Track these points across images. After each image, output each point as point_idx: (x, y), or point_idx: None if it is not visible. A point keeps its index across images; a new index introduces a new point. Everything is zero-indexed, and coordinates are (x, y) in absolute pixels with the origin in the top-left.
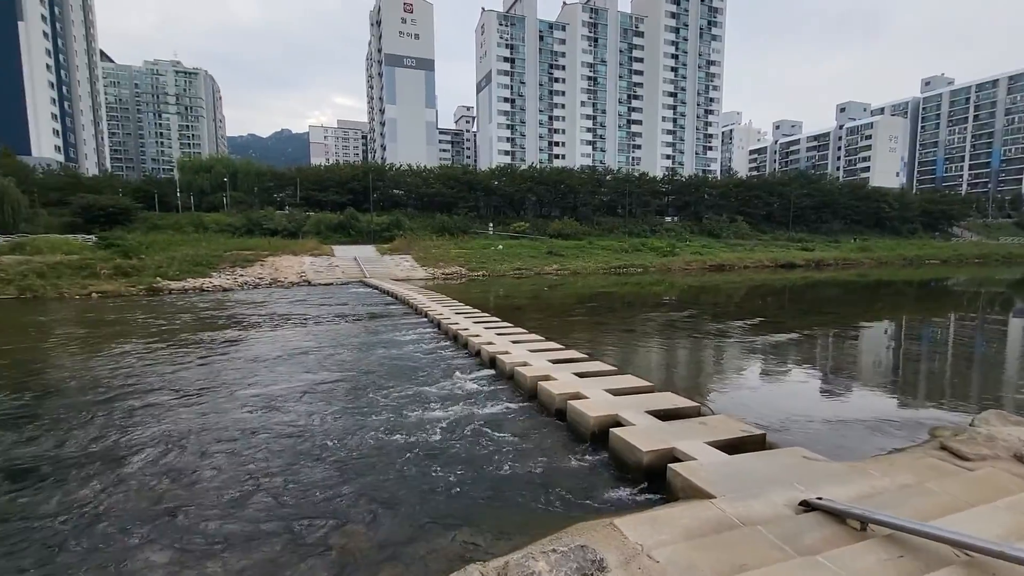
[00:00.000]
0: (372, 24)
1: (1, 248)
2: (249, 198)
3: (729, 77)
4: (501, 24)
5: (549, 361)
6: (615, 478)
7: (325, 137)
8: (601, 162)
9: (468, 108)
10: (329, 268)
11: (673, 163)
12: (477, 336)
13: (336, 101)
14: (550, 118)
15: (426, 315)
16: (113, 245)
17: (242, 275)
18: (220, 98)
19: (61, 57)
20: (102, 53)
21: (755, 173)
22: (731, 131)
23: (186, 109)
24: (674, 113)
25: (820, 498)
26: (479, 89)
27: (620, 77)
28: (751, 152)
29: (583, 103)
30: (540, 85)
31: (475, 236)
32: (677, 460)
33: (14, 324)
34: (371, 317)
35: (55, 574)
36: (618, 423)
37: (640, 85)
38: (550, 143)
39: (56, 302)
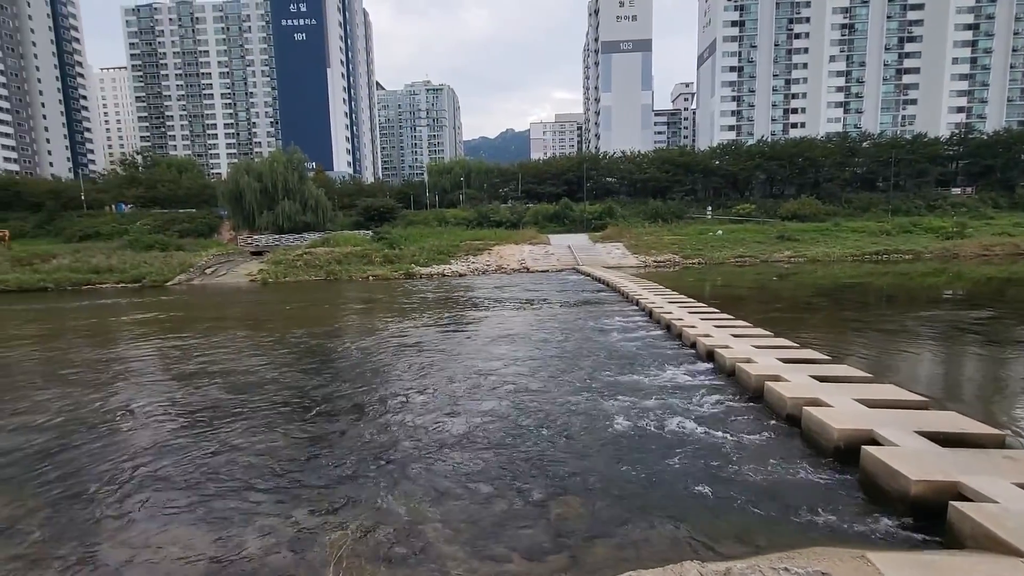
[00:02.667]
0: (590, 15)
1: (315, 242)
2: (480, 194)
3: None
4: None
5: (778, 360)
6: (865, 504)
7: (544, 132)
8: (856, 126)
9: (687, 85)
10: (545, 256)
11: (968, 117)
12: (692, 327)
13: (555, 96)
14: (787, 82)
15: (637, 303)
16: (383, 238)
17: (473, 262)
18: (458, 108)
19: (352, 92)
20: (377, 83)
21: None
22: None
23: (433, 121)
24: (973, 51)
25: None
26: (700, 63)
27: (888, 17)
28: None
29: (833, 58)
30: (776, 46)
31: (691, 221)
32: (964, 498)
33: (327, 297)
34: (584, 304)
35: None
36: (873, 440)
37: (919, 23)
38: (786, 111)
39: (347, 282)
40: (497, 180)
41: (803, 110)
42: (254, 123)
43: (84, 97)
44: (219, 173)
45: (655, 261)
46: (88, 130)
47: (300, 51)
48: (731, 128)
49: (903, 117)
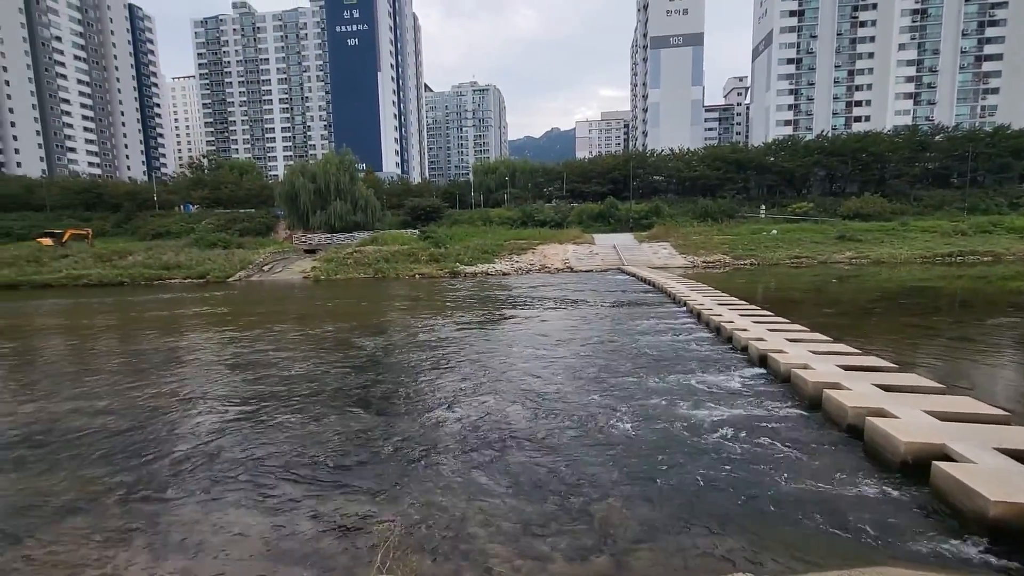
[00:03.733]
0: (638, 10)
1: (364, 241)
2: (524, 193)
3: None
4: None
5: (838, 366)
6: (937, 524)
7: (589, 131)
8: (927, 119)
9: (740, 79)
10: (589, 256)
11: None
12: (744, 330)
13: (602, 94)
14: (850, 73)
15: (685, 304)
16: (429, 237)
17: (517, 262)
18: (504, 107)
19: (401, 94)
20: (425, 85)
21: None
22: None
23: (479, 121)
24: None
25: None
26: (755, 55)
27: (966, 0)
28: None
29: (902, 46)
30: (838, 35)
31: (743, 220)
32: None
33: (374, 294)
34: (628, 304)
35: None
36: (945, 456)
37: (1002, 4)
38: (848, 104)
39: (394, 280)
40: (542, 179)
41: (868, 102)
42: (309, 126)
43: (158, 105)
44: (276, 175)
45: (704, 262)
46: (161, 135)
47: (353, 56)
48: (787, 123)
49: (982, 108)
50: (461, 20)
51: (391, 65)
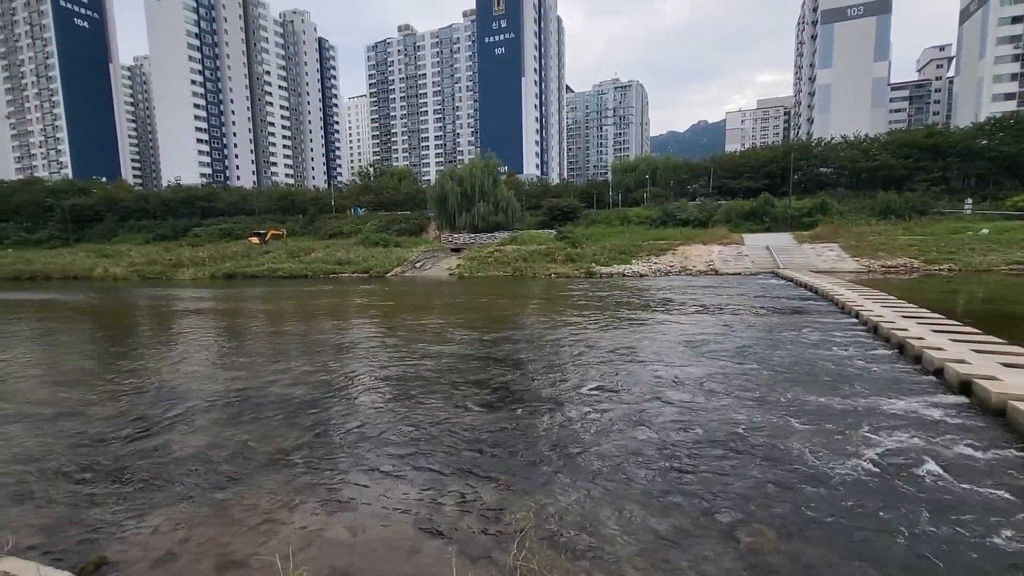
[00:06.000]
0: None
1: (505, 241)
2: (665, 191)
3: None
4: None
5: None
6: None
7: (742, 121)
8: None
9: (941, 48)
10: (738, 257)
11: None
12: (938, 349)
13: (758, 80)
14: None
15: (857, 315)
16: (565, 237)
17: (655, 263)
18: (646, 103)
19: (542, 97)
20: (567, 87)
21: None
22: None
23: (620, 119)
24: None
25: None
26: (963, 18)
27: None
28: None
29: None
30: None
31: (938, 218)
32: None
33: (513, 291)
34: (783, 312)
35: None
36: None
37: None
38: None
39: (531, 279)
40: (685, 176)
41: None
42: (458, 133)
43: (336, 123)
44: (429, 179)
45: (883, 266)
46: (338, 149)
47: (499, 64)
48: (1010, 96)
49: None
50: (605, 17)
51: (534, 70)
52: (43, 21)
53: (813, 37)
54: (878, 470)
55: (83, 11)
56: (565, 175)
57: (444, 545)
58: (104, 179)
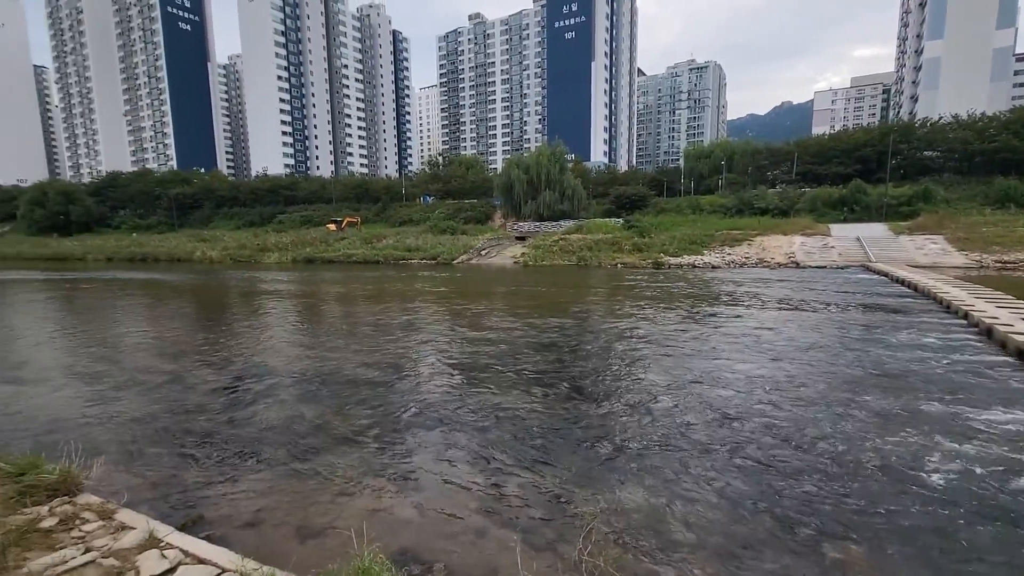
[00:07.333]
0: None
1: (570, 229)
2: (742, 178)
3: None
4: None
5: None
6: None
7: (833, 101)
8: None
9: None
10: (823, 249)
11: None
12: None
13: (855, 55)
14: None
15: (966, 316)
16: (633, 227)
17: (729, 254)
18: (724, 85)
19: (612, 82)
20: (638, 70)
21: None
22: None
23: (695, 102)
24: None
25: None
26: None
27: None
28: None
29: None
30: None
31: None
32: None
33: (577, 280)
34: (876, 310)
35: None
36: None
37: None
38: None
39: (596, 268)
40: (765, 162)
41: None
42: (525, 121)
43: (408, 113)
44: (495, 168)
45: (998, 261)
46: (409, 138)
47: (569, 49)
48: None
49: None
50: None
51: (604, 54)
52: (153, 26)
53: (922, 4)
54: (984, 484)
55: (186, 15)
56: (634, 162)
57: (508, 532)
58: (203, 170)
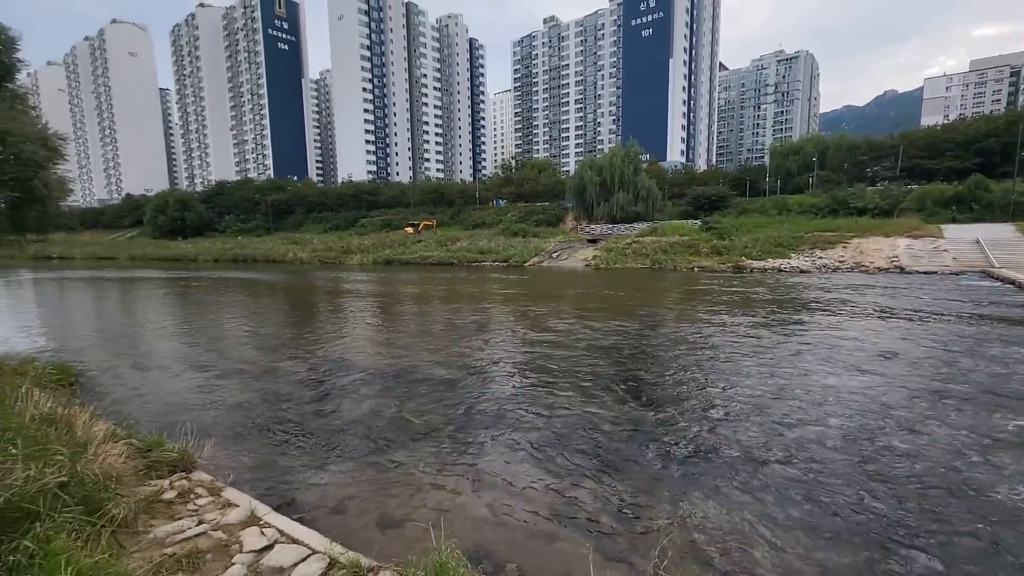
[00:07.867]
0: None
1: (644, 231)
2: (836, 176)
3: None
4: None
5: None
6: None
7: (947, 88)
8: None
9: None
10: (933, 253)
11: None
12: None
13: (974, 35)
14: None
15: None
16: (712, 228)
17: (821, 257)
18: (817, 75)
19: (692, 78)
20: (720, 64)
21: None
22: None
23: (782, 96)
24: None
25: None
26: None
27: None
28: None
29: None
30: None
31: None
32: None
33: (651, 284)
34: (1002, 322)
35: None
36: None
37: None
38: None
39: (671, 272)
40: (864, 157)
41: None
42: (599, 122)
43: (483, 118)
44: (568, 170)
45: None
46: (483, 143)
47: (645, 46)
48: None
49: None
50: None
51: (684, 49)
52: (256, 48)
53: None
54: None
55: (285, 36)
56: (713, 161)
57: (581, 538)
58: (295, 177)
